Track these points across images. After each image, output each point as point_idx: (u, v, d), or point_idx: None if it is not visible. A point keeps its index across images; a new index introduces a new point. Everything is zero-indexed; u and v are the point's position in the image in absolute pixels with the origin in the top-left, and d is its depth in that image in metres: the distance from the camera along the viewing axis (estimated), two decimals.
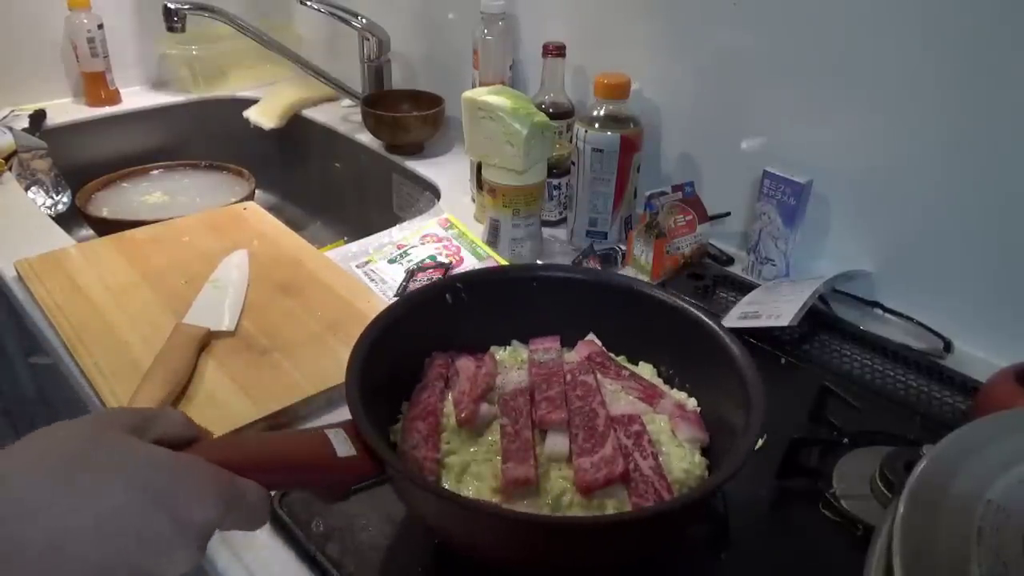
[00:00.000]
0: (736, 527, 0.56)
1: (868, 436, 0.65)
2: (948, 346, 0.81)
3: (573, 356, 0.64)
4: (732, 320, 0.80)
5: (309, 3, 1.28)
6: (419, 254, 0.93)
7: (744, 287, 0.89)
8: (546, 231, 1.01)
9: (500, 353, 0.65)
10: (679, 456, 0.54)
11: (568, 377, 0.59)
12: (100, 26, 1.36)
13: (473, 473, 0.53)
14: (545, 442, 0.54)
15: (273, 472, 0.44)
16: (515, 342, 0.67)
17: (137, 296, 0.82)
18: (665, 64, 1.00)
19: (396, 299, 0.61)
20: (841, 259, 0.89)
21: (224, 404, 0.67)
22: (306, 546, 0.54)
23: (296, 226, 1.16)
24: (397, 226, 1.02)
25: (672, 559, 0.56)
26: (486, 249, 0.94)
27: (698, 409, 0.59)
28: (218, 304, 0.80)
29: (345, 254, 0.95)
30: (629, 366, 0.64)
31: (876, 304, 0.86)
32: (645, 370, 0.64)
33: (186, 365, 0.69)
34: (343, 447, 0.46)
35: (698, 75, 0.97)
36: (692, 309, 0.61)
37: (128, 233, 0.95)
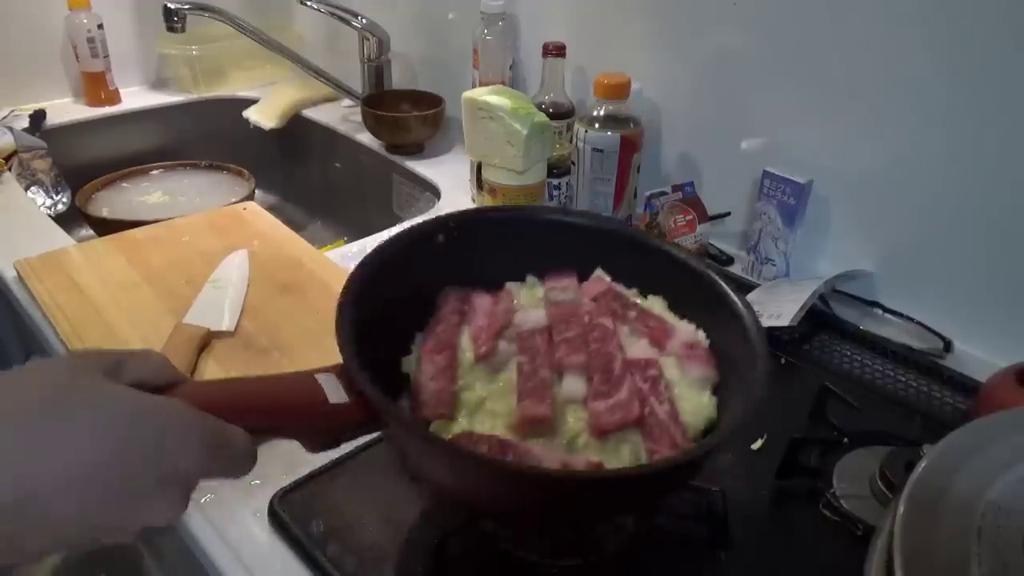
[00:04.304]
0: (736, 527, 0.56)
1: (868, 436, 0.65)
2: (948, 346, 0.81)
3: (582, 293, 0.61)
4: None
5: (309, 3, 1.28)
6: None
7: (744, 287, 0.89)
8: None
9: (516, 289, 0.62)
10: (688, 398, 0.53)
11: (586, 319, 0.57)
12: (100, 26, 1.36)
13: (488, 410, 0.52)
14: (562, 383, 0.53)
15: (259, 417, 0.41)
16: (530, 277, 0.63)
17: (137, 296, 0.82)
18: (665, 64, 1.00)
19: (384, 239, 0.58)
20: (841, 259, 0.89)
21: None
22: (306, 546, 0.54)
23: (296, 226, 1.17)
24: (397, 226, 1.02)
25: (672, 559, 0.56)
26: None
27: (707, 342, 0.57)
28: (218, 304, 0.80)
29: (345, 254, 0.95)
30: (639, 300, 0.61)
31: (876, 304, 0.86)
32: (656, 304, 0.61)
33: (186, 365, 0.69)
34: (335, 393, 0.43)
35: (698, 75, 0.97)
36: (692, 260, 0.59)
37: (128, 233, 0.95)
